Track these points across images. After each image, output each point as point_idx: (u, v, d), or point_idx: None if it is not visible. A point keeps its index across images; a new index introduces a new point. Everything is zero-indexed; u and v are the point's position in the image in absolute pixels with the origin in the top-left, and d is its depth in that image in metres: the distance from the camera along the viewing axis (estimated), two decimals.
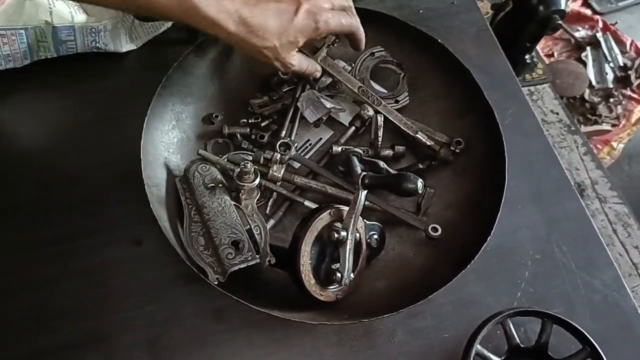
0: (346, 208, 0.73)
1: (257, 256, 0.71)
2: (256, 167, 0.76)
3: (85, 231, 0.81)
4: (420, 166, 0.84)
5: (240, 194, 0.77)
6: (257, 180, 0.76)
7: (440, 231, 0.80)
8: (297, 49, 0.75)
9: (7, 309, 0.74)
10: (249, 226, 0.74)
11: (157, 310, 0.76)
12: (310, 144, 0.89)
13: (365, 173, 0.74)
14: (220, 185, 0.78)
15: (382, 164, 0.82)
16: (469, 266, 0.72)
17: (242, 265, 0.70)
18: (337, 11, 0.75)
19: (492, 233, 0.74)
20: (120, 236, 0.81)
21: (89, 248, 0.80)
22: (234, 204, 0.76)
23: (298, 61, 0.76)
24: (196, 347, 0.74)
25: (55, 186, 0.84)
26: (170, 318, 0.75)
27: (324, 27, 0.72)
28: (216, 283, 0.69)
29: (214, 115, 0.88)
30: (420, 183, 0.69)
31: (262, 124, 0.89)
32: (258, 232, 0.74)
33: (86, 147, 0.87)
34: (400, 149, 0.86)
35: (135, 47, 0.96)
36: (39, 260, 0.78)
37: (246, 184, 0.75)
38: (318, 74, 0.82)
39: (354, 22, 0.77)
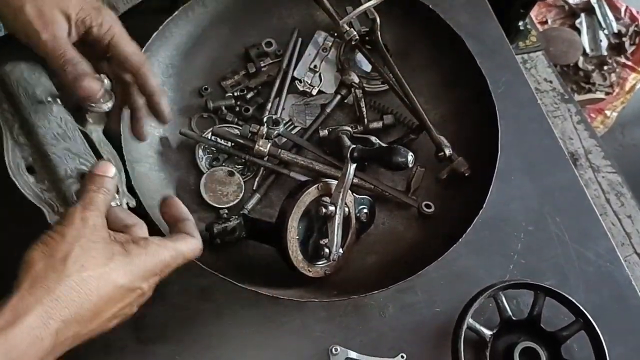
0: (335, 182, 0.71)
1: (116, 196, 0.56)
2: (110, 88, 0.60)
3: None
4: (412, 136, 0.82)
5: (87, 116, 0.61)
6: (111, 104, 0.60)
7: (433, 208, 0.79)
8: None
9: None
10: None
11: None
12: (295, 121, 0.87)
13: (354, 146, 0.71)
14: (58, 100, 0.59)
15: (374, 139, 0.79)
16: (460, 239, 0.70)
17: None
18: None
19: (484, 205, 0.72)
20: None
21: None
22: (79, 128, 0.59)
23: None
24: (182, 325, 0.72)
25: None
26: (155, 296, 0.73)
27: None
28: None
29: (203, 87, 0.85)
30: (410, 156, 0.67)
31: (248, 97, 0.86)
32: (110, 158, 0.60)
33: None
34: (388, 118, 0.84)
35: None
36: None
37: (97, 106, 0.59)
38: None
39: None
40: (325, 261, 0.71)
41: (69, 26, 0.57)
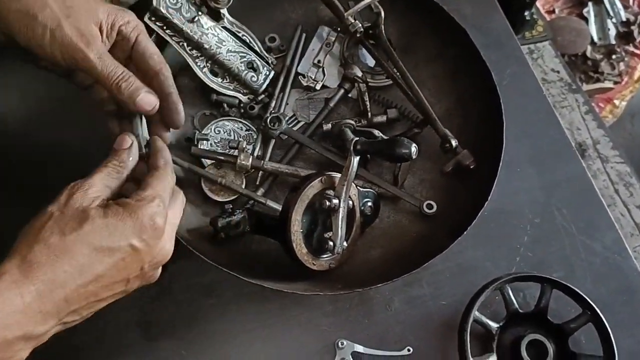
0: (338, 175, 0.71)
1: (270, 67, 0.84)
2: None
3: None
4: (416, 130, 0.81)
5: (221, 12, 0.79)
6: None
7: (435, 208, 0.78)
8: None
9: None
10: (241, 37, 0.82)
11: (147, 287, 0.74)
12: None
13: (357, 138, 0.71)
14: (200, 12, 0.77)
15: (376, 132, 0.79)
16: (466, 232, 0.70)
17: (268, 81, 0.84)
18: None
19: (489, 198, 0.71)
20: None
21: None
22: (222, 26, 0.80)
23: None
24: (188, 321, 0.72)
25: (46, 164, 0.81)
26: (161, 294, 0.74)
27: None
28: (249, 100, 0.83)
29: None
30: (414, 148, 0.66)
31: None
32: (245, 36, 0.83)
33: (75, 121, 0.84)
34: (392, 112, 0.83)
35: None
36: None
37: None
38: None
39: None
40: (330, 254, 0.71)
41: (103, 35, 0.57)
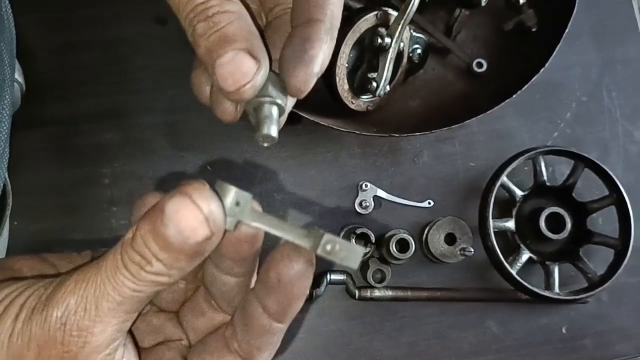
0: (395, 13, 0.66)
1: None
2: None
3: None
4: None
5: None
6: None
7: (485, 67, 0.73)
8: None
9: (27, 74, 0.69)
10: None
11: (176, 96, 0.72)
12: None
13: None
14: None
15: None
16: (512, 98, 0.67)
17: None
18: None
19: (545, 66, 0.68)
20: (145, 11, 0.74)
21: (109, 20, 0.74)
22: None
23: None
24: (216, 139, 0.72)
25: None
26: (189, 106, 0.72)
27: None
28: None
29: None
30: None
31: None
32: None
33: None
34: None
35: None
36: (56, 26, 0.73)
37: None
38: None
39: None
40: (371, 96, 0.68)
41: None
